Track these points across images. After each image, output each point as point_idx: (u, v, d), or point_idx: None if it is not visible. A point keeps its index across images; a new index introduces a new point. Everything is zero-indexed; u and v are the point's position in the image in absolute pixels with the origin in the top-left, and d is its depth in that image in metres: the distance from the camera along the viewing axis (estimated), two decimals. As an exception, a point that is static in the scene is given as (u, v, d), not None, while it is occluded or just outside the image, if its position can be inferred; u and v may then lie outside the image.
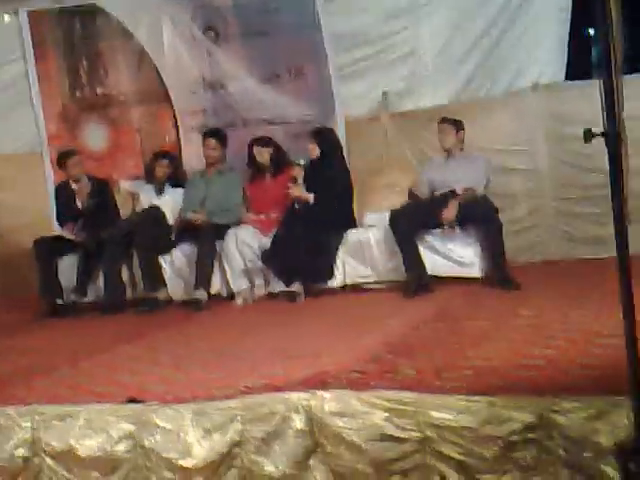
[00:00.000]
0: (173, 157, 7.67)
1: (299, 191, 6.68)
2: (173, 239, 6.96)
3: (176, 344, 5.23)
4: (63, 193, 7.46)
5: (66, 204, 7.37)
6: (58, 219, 7.46)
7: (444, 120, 6.50)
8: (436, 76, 7.38)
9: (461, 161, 6.46)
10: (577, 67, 7.17)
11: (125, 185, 7.90)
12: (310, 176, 6.73)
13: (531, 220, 6.96)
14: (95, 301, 7.09)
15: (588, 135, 2.83)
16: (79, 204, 7.27)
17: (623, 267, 2.81)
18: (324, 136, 6.91)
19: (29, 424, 3.73)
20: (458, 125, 6.47)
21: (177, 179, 7.51)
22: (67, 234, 7.26)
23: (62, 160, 7.46)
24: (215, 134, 7.30)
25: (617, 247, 2.87)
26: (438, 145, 6.66)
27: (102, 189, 7.44)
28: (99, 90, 8.45)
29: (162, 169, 7.47)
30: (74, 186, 7.36)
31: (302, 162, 6.80)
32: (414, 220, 6.23)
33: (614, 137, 2.83)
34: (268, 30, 7.78)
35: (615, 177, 2.86)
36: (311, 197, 6.64)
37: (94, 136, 8.45)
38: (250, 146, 7.12)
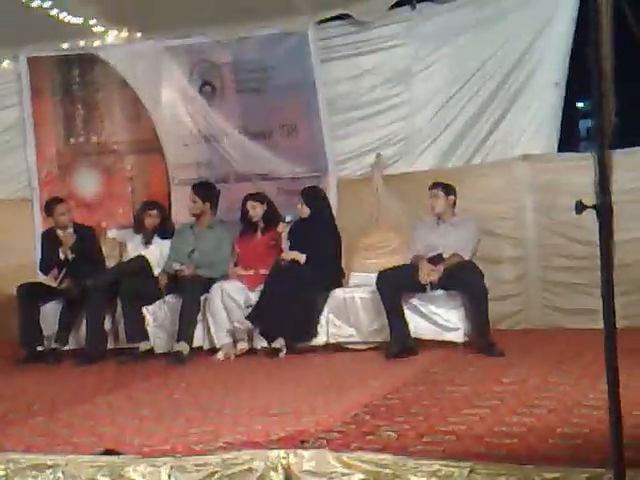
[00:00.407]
0: (162, 207, 7.67)
1: (292, 254, 6.70)
2: (159, 290, 6.93)
3: (157, 396, 5.17)
4: (49, 240, 7.40)
5: (51, 251, 7.30)
6: (41, 266, 7.41)
7: (435, 185, 6.56)
8: (429, 141, 7.50)
9: (451, 226, 6.50)
10: (564, 138, 7.26)
11: (113, 234, 7.89)
12: (299, 235, 6.78)
13: (516, 287, 7.00)
14: (76, 349, 7.03)
15: (579, 207, 2.85)
16: (62, 252, 7.23)
17: (610, 339, 2.81)
18: (314, 196, 6.97)
19: (2, 472, 3.67)
20: (449, 190, 6.52)
21: (165, 231, 7.50)
22: (50, 281, 7.23)
23: (50, 207, 7.43)
24: (199, 188, 7.30)
25: (604, 319, 2.87)
26: (428, 208, 6.71)
27: (87, 237, 7.39)
28: (93, 138, 8.54)
29: (151, 219, 7.47)
30: (60, 233, 7.33)
31: (288, 219, 6.86)
32: (401, 282, 6.24)
33: (606, 210, 2.86)
34: (264, 87, 7.93)
35: (606, 249, 2.87)
36: (303, 257, 6.66)
37: (85, 183, 8.53)
38: (244, 201, 7.15)
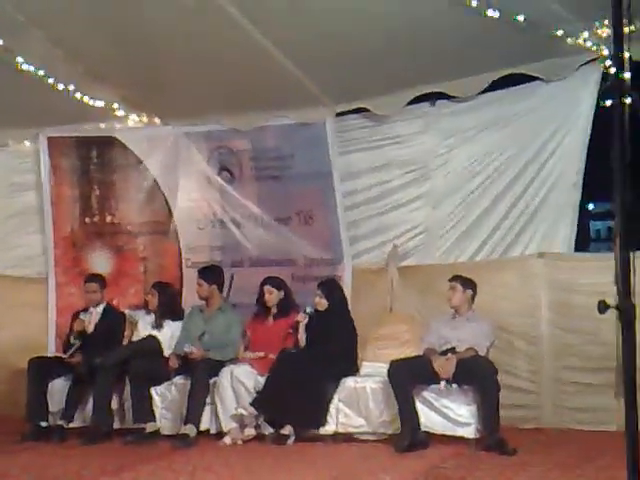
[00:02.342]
0: (163, 286, 7.62)
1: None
2: (168, 372, 6.89)
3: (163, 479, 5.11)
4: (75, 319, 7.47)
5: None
6: (65, 344, 7.43)
7: (455, 278, 6.58)
8: (447, 235, 7.56)
9: (467, 322, 6.49)
10: (576, 239, 7.30)
11: (126, 312, 7.88)
12: (316, 326, 6.80)
13: (530, 385, 6.93)
14: (81, 427, 6.97)
15: (602, 307, 2.88)
16: (80, 326, 7.25)
17: (632, 442, 2.79)
18: (332, 288, 7.02)
19: None
20: (468, 284, 6.54)
21: (175, 313, 7.49)
22: (60, 354, 7.22)
23: (84, 283, 7.57)
24: (204, 272, 7.37)
25: (626, 420, 2.86)
26: (445, 300, 6.72)
27: (115, 320, 7.52)
28: (108, 218, 8.61)
29: (149, 298, 7.50)
30: (91, 310, 7.43)
31: (309, 310, 6.87)
32: (413, 373, 6.20)
33: (628, 310, 2.88)
34: (282, 175, 8.02)
35: (628, 349, 2.88)
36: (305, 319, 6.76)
37: (99, 262, 8.56)
38: (262, 284, 7.18)
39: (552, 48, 6.59)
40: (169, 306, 7.48)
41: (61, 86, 7.43)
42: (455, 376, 6.10)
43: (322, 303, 6.88)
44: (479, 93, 7.28)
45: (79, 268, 8.52)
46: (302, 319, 6.84)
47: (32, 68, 7.10)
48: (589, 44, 6.54)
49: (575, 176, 7.05)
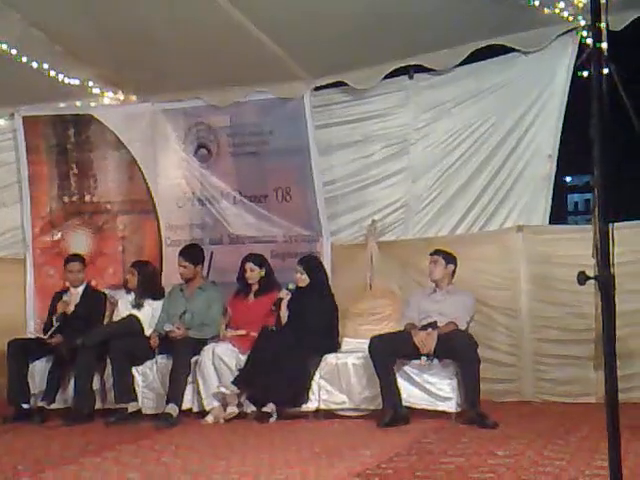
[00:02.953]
0: (142, 264, 7.58)
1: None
2: (150, 351, 6.87)
3: (145, 459, 5.11)
4: (56, 300, 7.44)
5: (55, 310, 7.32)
6: (45, 324, 7.38)
7: (437, 252, 6.58)
8: (426, 209, 7.55)
9: (447, 295, 6.50)
10: (553, 211, 7.30)
11: (106, 292, 7.84)
12: (297, 302, 6.77)
13: (509, 358, 6.97)
14: (63, 408, 6.95)
15: (582, 278, 2.89)
16: (61, 308, 7.23)
17: (612, 413, 2.80)
18: (312, 265, 7.00)
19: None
20: (449, 258, 6.54)
21: (155, 292, 7.44)
22: (40, 334, 7.21)
23: (64, 264, 7.54)
24: (187, 253, 7.31)
25: (607, 391, 2.86)
26: (425, 275, 6.73)
27: (97, 302, 7.50)
28: (87, 197, 8.55)
29: (129, 277, 7.45)
30: (72, 290, 7.40)
31: (291, 287, 6.84)
32: (393, 349, 6.21)
33: (608, 281, 2.89)
34: (260, 151, 7.98)
35: (608, 320, 2.89)
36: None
37: (77, 241, 8.51)
38: (243, 261, 7.14)
39: (529, 19, 6.57)
40: (149, 285, 7.42)
41: (35, 64, 7.33)
42: (435, 351, 6.12)
43: (303, 279, 6.86)
44: (457, 65, 7.25)
45: (58, 248, 8.47)
46: (285, 296, 6.82)
47: (4, 47, 7.00)
48: (565, 14, 6.52)
49: (551, 148, 7.04)
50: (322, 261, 7.40)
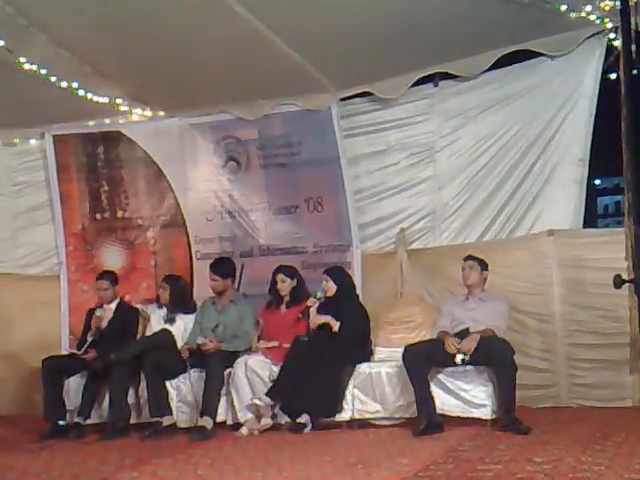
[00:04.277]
0: (173, 279, 7.62)
1: (323, 318, 6.69)
2: (183, 365, 6.90)
3: (182, 473, 5.10)
4: (89, 317, 7.48)
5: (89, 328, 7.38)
6: (79, 341, 7.42)
7: (471, 257, 6.56)
8: (455, 216, 7.56)
9: (481, 302, 6.47)
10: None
11: (139, 307, 7.88)
12: (326, 311, 6.76)
13: (543, 364, 6.92)
14: (99, 423, 7.00)
15: (618, 281, 2.87)
16: (95, 324, 7.27)
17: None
18: (338, 273, 6.98)
19: None
20: (483, 265, 6.52)
21: (187, 306, 7.48)
22: (75, 350, 7.26)
23: (96, 281, 7.60)
24: (217, 267, 7.30)
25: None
26: (455, 282, 6.70)
27: (129, 317, 7.53)
28: (119, 213, 8.63)
29: (161, 292, 7.49)
30: (105, 307, 7.45)
31: (319, 295, 6.83)
32: (427, 357, 6.19)
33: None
34: (289, 162, 8.02)
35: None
36: (337, 325, 6.63)
37: (110, 257, 8.59)
38: (275, 273, 7.15)
39: (555, 23, 6.57)
40: (180, 300, 7.47)
41: (64, 84, 7.43)
42: (472, 356, 6.06)
43: (330, 287, 6.83)
44: (483, 72, 7.24)
45: (92, 265, 8.57)
46: (312, 304, 6.80)
47: (34, 67, 7.09)
48: (592, 17, 6.50)
49: (582, 151, 7.01)
50: (352, 271, 7.44)
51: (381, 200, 7.86)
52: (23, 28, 6.66)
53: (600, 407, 6.61)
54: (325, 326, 6.68)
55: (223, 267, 7.34)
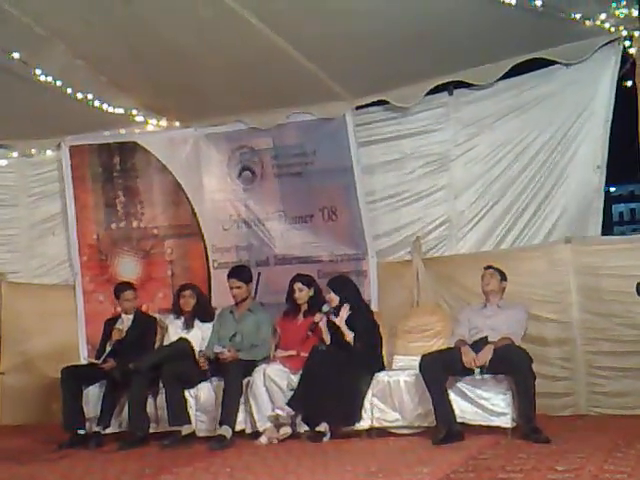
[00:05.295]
0: (195, 288, 7.64)
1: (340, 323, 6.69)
2: (201, 374, 6.91)
3: (203, 482, 5.13)
4: (109, 327, 7.51)
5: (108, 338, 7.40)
6: (98, 351, 7.44)
7: (490, 267, 6.56)
8: (471, 224, 7.56)
9: (499, 310, 6.46)
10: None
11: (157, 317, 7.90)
12: (333, 322, 6.76)
13: (562, 372, 6.91)
14: (118, 432, 7.02)
15: (640, 289, 2.87)
16: (115, 334, 7.30)
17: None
18: (341, 283, 6.98)
19: None
20: (503, 275, 6.53)
21: (205, 314, 7.50)
22: (93, 360, 7.29)
23: (117, 292, 7.63)
24: (238, 273, 7.33)
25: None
26: (471, 291, 6.70)
27: (148, 326, 7.56)
28: (134, 223, 8.66)
29: (186, 300, 7.49)
30: (123, 316, 7.49)
31: (325, 309, 6.82)
32: (445, 366, 6.18)
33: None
34: (304, 171, 8.03)
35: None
36: (351, 335, 6.63)
37: (126, 267, 8.63)
38: (292, 281, 7.15)
39: (570, 31, 6.57)
40: (205, 308, 7.54)
41: (80, 95, 7.47)
42: (490, 365, 6.06)
43: (333, 298, 6.83)
44: (497, 80, 7.25)
45: (107, 275, 8.62)
46: (319, 319, 6.79)
47: (50, 79, 7.14)
48: (607, 25, 6.51)
49: (599, 159, 7.01)
50: (367, 280, 7.51)
51: (397, 209, 7.86)
52: (40, 38, 6.70)
53: (620, 415, 6.58)
54: (340, 335, 6.69)
55: (243, 273, 7.36)
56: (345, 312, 6.69)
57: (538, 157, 7.26)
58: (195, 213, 8.48)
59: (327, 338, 6.77)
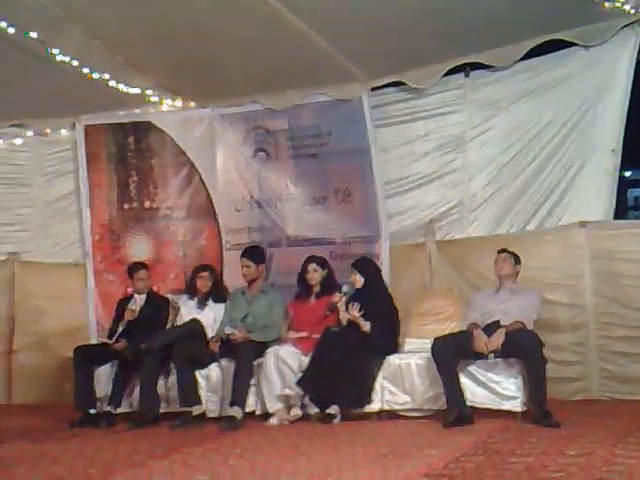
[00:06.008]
0: (213, 270, 7.68)
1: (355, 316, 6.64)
2: (213, 354, 6.92)
3: (213, 462, 5.12)
4: (121, 307, 7.54)
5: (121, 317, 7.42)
6: (110, 330, 7.46)
7: (504, 250, 6.52)
8: (484, 207, 7.51)
9: (512, 294, 6.41)
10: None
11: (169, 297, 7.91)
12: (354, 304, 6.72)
13: (574, 356, 6.87)
14: (129, 412, 7.04)
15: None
16: (128, 314, 7.32)
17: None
18: (367, 265, 6.98)
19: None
20: (517, 259, 6.49)
21: (219, 294, 7.51)
22: (105, 339, 7.32)
23: (131, 272, 7.65)
24: (250, 253, 7.33)
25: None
26: (484, 274, 6.66)
27: (161, 307, 7.58)
28: (147, 203, 8.64)
29: (202, 281, 7.50)
30: (135, 297, 7.52)
31: (345, 290, 6.81)
32: (457, 350, 6.16)
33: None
34: (319, 152, 7.99)
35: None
36: (367, 325, 6.60)
37: (138, 247, 8.60)
38: (305, 263, 7.14)
39: (589, 13, 6.50)
40: (220, 288, 7.56)
41: (96, 75, 7.45)
42: (501, 349, 6.03)
43: (358, 279, 6.82)
44: (515, 62, 7.18)
45: (118, 255, 8.60)
46: (338, 299, 6.79)
47: (67, 59, 7.12)
48: (627, 7, 6.43)
49: (614, 142, 6.94)
50: (380, 262, 7.45)
51: (410, 191, 7.82)
52: (58, 19, 6.68)
53: (632, 400, 6.55)
54: (354, 323, 6.67)
55: (256, 253, 7.36)
56: (355, 311, 6.64)
57: (554, 140, 7.19)
58: (209, 194, 8.46)
59: (344, 318, 6.74)
